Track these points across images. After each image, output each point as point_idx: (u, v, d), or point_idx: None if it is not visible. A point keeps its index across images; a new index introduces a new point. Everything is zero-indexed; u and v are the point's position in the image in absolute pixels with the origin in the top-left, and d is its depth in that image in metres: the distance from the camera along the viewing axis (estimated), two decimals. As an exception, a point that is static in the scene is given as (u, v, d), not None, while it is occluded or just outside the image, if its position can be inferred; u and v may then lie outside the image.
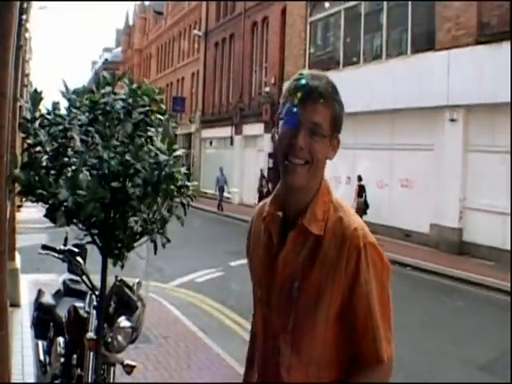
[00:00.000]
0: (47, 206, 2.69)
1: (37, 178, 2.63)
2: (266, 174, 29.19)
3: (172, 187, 2.69)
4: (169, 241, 2.87)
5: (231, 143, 35.23)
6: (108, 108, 2.95)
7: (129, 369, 4.02)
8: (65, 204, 2.46)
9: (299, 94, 1.98)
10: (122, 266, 2.81)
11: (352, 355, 2.06)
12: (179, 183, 2.79)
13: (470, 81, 16.23)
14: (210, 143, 41.40)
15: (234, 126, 34.56)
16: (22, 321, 8.04)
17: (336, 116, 2.05)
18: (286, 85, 2.11)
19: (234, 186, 33.20)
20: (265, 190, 27.93)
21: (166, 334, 8.39)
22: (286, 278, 2.09)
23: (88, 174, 2.55)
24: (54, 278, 9.22)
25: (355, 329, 2.02)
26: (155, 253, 2.83)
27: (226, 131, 35.36)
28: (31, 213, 24.59)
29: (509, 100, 14.70)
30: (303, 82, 2.00)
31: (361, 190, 20.40)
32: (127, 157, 2.60)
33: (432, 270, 15.02)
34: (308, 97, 1.98)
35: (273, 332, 2.15)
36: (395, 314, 2.11)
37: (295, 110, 1.98)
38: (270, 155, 29.86)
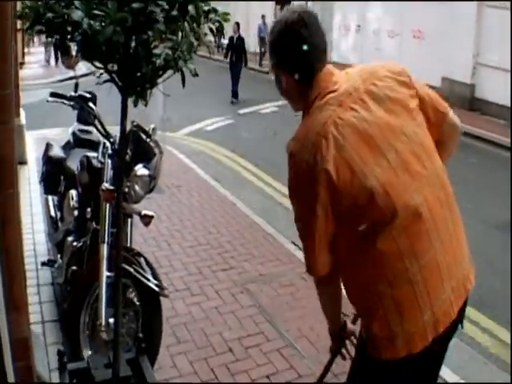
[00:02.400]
0: (57, 37, 2.29)
1: (46, 7, 2.23)
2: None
3: (201, 9, 2.28)
4: (196, 75, 2.51)
5: (236, -13, 33.74)
6: None
7: (147, 219, 3.77)
8: (79, 30, 2.08)
9: None
10: (146, 104, 2.48)
11: None
12: (206, 7, 2.38)
13: None
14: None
15: (240, -29, 32.94)
16: (29, 178, 7.90)
17: (276, 53, 2.28)
18: None
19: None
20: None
21: (177, 183, 8.24)
22: None
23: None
24: (60, 133, 9.00)
25: None
26: (183, 85, 2.50)
27: (232, -24, 33.76)
28: (33, 69, 24.14)
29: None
30: None
31: None
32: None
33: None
34: None
35: None
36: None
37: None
38: (277, 2, 28.67)
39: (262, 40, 26.39)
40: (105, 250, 3.56)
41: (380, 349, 2.18)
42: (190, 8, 2.22)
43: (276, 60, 2.27)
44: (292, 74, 2.22)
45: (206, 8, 2.39)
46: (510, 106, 14.92)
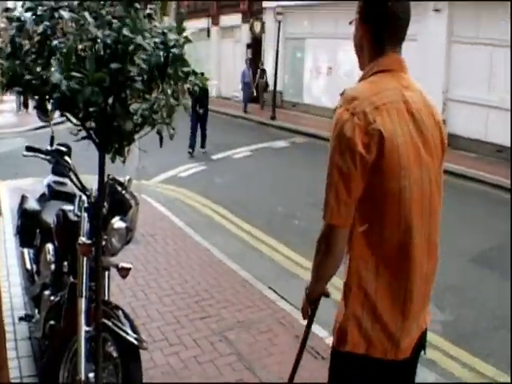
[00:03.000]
0: (36, 97, 2.33)
1: (23, 67, 2.27)
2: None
3: (180, 73, 2.35)
4: (174, 129, 2.56)
5: (208, 35, 34.11)
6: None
7: (124, 272, 3.77)
8: (58, 90, 2.12)
9: None
10: (124, 161, 2.52)
11: None
12: (187, 69, 2.44)
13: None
14: (186, 36, 39.93)
15: (210, 18, 33.39)
16: (3, 229, 7.80)
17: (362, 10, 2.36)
18: None
19: (212, 79, 32.26)
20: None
21: (152, 231, 8.22)
22: None
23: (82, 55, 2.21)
24: (33, 183, 8.97)
25: None
26: (161, 145, 2.56)
27: (203, 23, 34.11)
28: (7, 117, 24.12)
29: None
30: None
31: (262, 73, 25.61)
32: (124, 31, 2.22)
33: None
34: None
35: None
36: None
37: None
38: (249, 46, 29.05)
39: (246, 85, 25.30)
40: (83, 304, 3.54)
41: (347, 338, 2.27)
42: (169, 70, 2.28)
43: (366, 13, 2.34)
44: (369, 26, 2.33)
45: (185, 70, 2.46)
46: (480, 139, 15.41)
